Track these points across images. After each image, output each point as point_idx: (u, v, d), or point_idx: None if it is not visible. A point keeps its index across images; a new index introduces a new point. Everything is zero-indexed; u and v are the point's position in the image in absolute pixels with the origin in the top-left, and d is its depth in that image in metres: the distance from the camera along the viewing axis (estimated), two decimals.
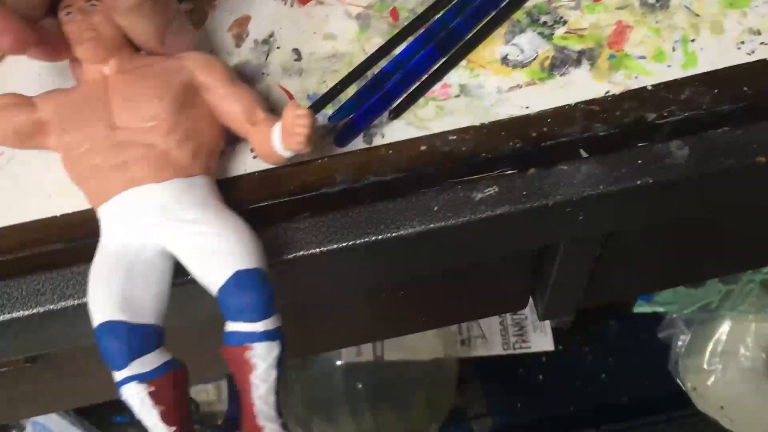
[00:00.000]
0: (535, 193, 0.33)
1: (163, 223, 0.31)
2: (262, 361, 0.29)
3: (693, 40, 0.35)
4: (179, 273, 0.32)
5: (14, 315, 0.33)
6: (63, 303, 0.33)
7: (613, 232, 0.43)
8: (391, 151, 0.34)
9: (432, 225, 0.33)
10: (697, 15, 0.35)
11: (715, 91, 0.33)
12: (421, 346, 1.00)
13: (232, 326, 0.30)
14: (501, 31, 0.36)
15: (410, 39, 0.36)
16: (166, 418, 0.29)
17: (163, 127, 0.31)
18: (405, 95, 0.35)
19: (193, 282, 0.33)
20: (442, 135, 0.34)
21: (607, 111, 0.34)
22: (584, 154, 0.34)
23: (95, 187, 0.32)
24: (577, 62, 0.35)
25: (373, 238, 0.34)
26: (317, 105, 0.35)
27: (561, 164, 0.34)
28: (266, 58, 0.37)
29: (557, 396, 1.10)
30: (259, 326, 0.29)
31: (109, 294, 0.29)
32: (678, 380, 1.02)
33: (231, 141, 0.35)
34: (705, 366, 0.98)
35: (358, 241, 0.34)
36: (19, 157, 0.35)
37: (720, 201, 0.39)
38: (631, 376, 1.08)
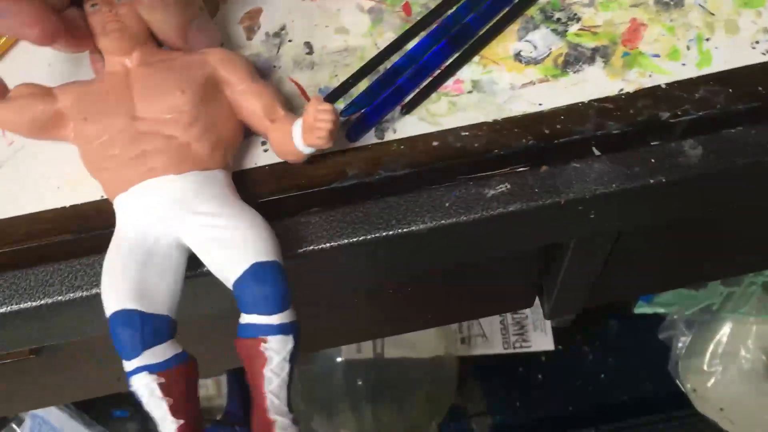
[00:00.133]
0: (548, 190, 0.33)
1: (180, 215, 0.30)
2: (276, 354, 0.29)
3: (708, 39, 0.35)
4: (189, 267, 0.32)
5: (22, 306, 0.33)
6: (71, 294, 0.33)
7: (624, 230, 0.42)
8: (402, 147, 0.34)
9: (443, 221, 0.33)
10: (712, 14, 0.35)
11: (730, 90, 0.33)
12: (422, 343, 1.00)
13: (247, 318, 0.30)
14: (514, 27, 0.36)
15: (423, 34, 0.36)
16: (175, 410, 0.29)
17: (184, 120, 0.31)
18: (417, 90, 0.35)
19: (197, 277, 0.33)
20: (455, 131, 0.34)
21: (621, 109, 0.33)
22: (597, 152, 0.34)
23: (113, 177, 0.31)
24: (591, 59, 0.35)
25: (384, 233, 0.33)
26: (329, 99, 0.35)
27: (574, 162, 0.34)
28: (278, 51, 0.36)
29: (557, 395, 1.10)
30: (274, 319, 0.29)
31: (124, 283, 0.29)
32: (678, 381, 1.02)
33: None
34: (705, 367, 0.98)
35: (368, 237, 0.33)
36: (29, 148, 0.35)
37: (732, 201, 0.38)
38: (631, 376, 1.08)
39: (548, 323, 1.07)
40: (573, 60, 0.35)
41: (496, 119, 0.34)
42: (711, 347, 0.98)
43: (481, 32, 0.36)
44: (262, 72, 0.36)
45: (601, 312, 1.11)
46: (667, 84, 0.34)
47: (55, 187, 0.34)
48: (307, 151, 0.32)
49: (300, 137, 0.31)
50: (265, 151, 0.34)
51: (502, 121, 0.34)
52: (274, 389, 0.29)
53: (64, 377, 0.58)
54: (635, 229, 0.44)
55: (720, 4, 0.35)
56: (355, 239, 0.33)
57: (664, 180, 0.33)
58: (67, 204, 0.34)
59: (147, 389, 0.29)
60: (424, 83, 0.35)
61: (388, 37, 0.36)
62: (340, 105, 0.35)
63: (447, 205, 0.33)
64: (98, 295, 0.30)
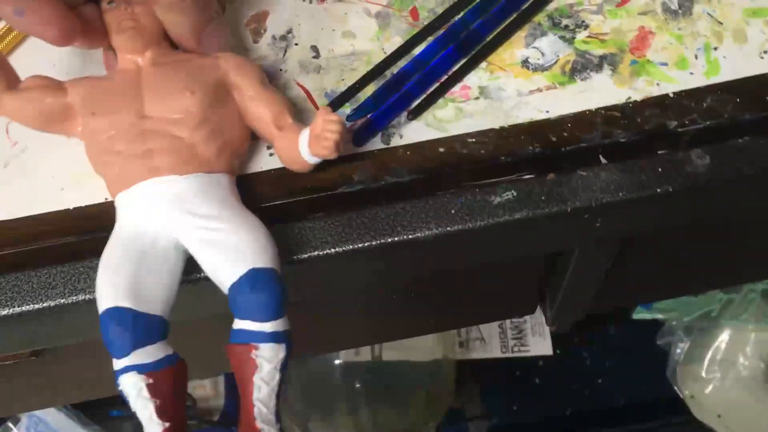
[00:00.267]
0: (554, 198, 0.33)
1: (181, 216, 0.30)
2: (267, 363, 0.29)
3: (716, 48, 0.34)
4: (186, 271, 0.31)
5: (24, 308, 0.33)
6: (74, 297, 0.33)
7: (629, 238, 0.42)
8: (409, 152, 0.34)
9: (449, 228, 0.33)
10: (720, 23, 0.35)
11: (738, 100, 0.33)
12: (420, 347, 1.00)
13: (240, 324, 0.29)
14: (522, 33, 0.36)
15: (430, 39, 0.36)
16: (161, 412, 0.28)
17: (192, 121, 0.31)
18: (424, 96, 0.35)
19: (198, 281, 0.32)
20: (461, 137, 0.34)
21: (628, 117, 0.33)
22: (604, 160, 0.34)
23: (116, 173, 0.31)
24: (599, 67, 0.35)
25: (390, 239, 0.33)
26: (335, 103, 0.35)
27: (580, 170, 0.34)
28: (284, 55, 0.36)
29: (554, 399, 1.10)
30: (267, 326, 0.29)
31: (119, 280, 0.29)
32: (676, 387, 1.01)
33: None
34: (703, 374, 0.98)
35: (374, 242, 0.33)
36: (33, 148, 0.35)
37: (739, 210, 0.38)
38: (629, 381, 1.08)
39: (547, 328, 1.07)
40: (580, 67, 0.35)
41: (503, 126, 0.34)
42: (709, 354, 0.98)
43: (488, 38, 0.36)
44: (269, 75, 0.36)
45: (600, 317, 1.10)
46: (674, 93, 0.34)
47: (58, 189, 0.34)
48: (313, 160, 0.32)
49: (306, 146, 0.31)
50: (271, 155, 0.34)
51: (509, 127, 0.34)
52: (262, 398, 0.29)
53: (65, 379, 0.58)
54: (640, 237, 0.44)
55: (728, 13, 0.35)
56: (360, 245, 0.33)
57: (671, 189, 0.33)
58: (71, 206, 0.34)
59: (134, 389, 0.28)
60: (431, 89, 0.35)
61: (396, 41, 0.36)
62: (347, 110, 0.35)
63: (453, 211, 0.33)
64: None
